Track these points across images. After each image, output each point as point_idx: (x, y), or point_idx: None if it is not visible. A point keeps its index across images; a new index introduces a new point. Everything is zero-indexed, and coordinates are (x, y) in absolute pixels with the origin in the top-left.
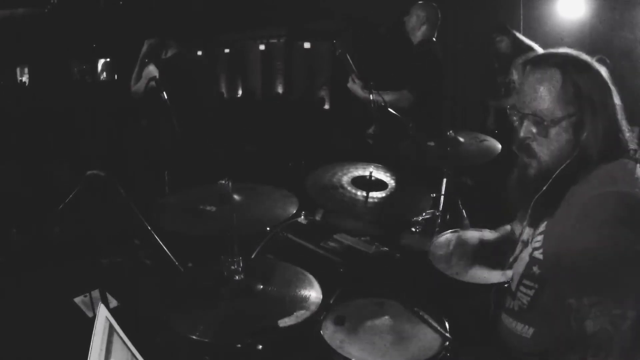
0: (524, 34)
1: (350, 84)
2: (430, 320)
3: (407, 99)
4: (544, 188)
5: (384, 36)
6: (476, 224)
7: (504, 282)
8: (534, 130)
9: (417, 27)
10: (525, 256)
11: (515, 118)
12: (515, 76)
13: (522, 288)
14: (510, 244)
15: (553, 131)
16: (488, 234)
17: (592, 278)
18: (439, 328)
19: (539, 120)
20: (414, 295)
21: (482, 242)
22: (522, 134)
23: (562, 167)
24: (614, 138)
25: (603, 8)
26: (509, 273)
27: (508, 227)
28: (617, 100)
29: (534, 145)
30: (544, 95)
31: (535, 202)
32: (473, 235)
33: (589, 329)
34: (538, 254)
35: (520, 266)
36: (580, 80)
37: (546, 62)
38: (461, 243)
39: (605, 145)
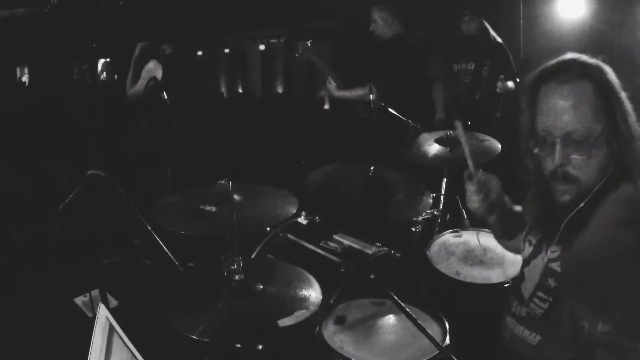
0: (524, 34)
1: (326, 86)
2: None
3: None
4: (581, 205)
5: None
6: (476, 224)
7: (504, 283)
8: (574, 154)
9: (387, 28)
10: (539, 264)
11: (537, 147)
12: (529, 98)
13: (535, 299)
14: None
15: (596, 149)
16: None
17: (609, 301)
18: (430, 334)
19: (580, 140)
20: (410, 296)
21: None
22: (558, 160)
23: (601, 182)
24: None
25: (603, 8)
26: (510, 273)
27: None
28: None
29: (570, 169)
30: (581, 111)
31: (569, 220)
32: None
33: (597, 356)
34: (555, 266)
35: (533, 274)
36: (606, 87)
37: (569, 73)
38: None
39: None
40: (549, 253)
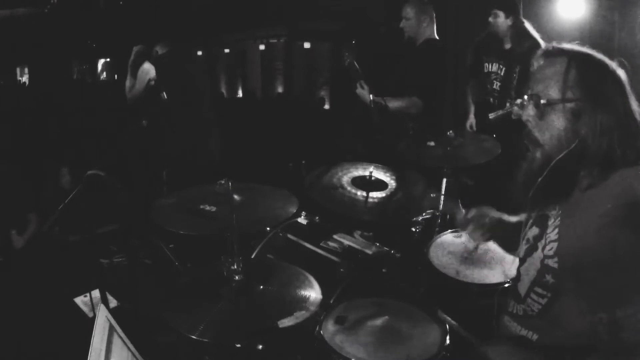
0: None
1: (358, 90)
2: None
3: (416, 106)
4: (541, 178)
5: (384, 36)
6: None
7: (504, 283)
8: (533, 112)
9: (420, 28)
10: (535, 261)
11: (525, 103)
12: (534, 68)
13: (532, 295)
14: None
15: (549, 113)
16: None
17: (619, 291)
18: (463, 332)
19: (538, 101)
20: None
21: (502, 221)
22: (523, 117)
23: (559, 156)
24: (621, 140)
25: (603, 8)
26: (510, 273)
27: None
28: (635, 105)
29: (536, 132)
30: (547, 77)
31: (534, 190)
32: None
33: (627, 339)
34: (552, 263)
35: (530, 271)
36: (586, 72)
37: (559, 51)
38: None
39: (606, 143)
40: (545, 250)
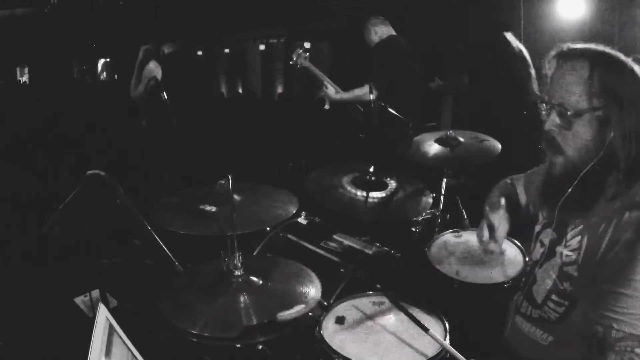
0: (524, 34)
1: (324, 92)
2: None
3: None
4: (571, 189)
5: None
6: (476, 224)
7: (505, 282)
8: (558, 121)
9: (375, 35)
10: (553, 268)
11: (544, 111)
12: (547, 70)
13: (550, 303)
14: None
15: (577, 124)
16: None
17: (626, 308)
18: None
19: (563, 111)
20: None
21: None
22: (546, 127)
23: (589, 166)
24: None
25: (603, 8)
26: (510, 273)
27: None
28: None
29: (559, 139)
30: (571, 85)
31: (562, 204)
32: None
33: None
34: (572, 270)
35: (546, 277)
36: (609, 75)
37: (578, 54)
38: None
39: (635, 148)
40: (563, 257)
